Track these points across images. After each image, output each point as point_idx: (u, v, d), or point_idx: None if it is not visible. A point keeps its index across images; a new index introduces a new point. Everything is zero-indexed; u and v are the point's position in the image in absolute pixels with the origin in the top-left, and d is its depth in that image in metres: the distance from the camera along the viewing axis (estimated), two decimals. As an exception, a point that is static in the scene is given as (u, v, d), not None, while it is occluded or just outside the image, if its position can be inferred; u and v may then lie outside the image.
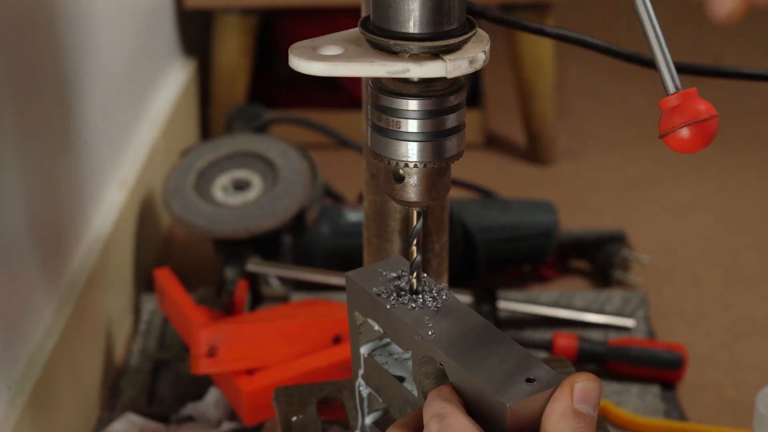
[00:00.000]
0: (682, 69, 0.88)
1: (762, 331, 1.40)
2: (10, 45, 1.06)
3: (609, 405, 1.21)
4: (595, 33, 0.93)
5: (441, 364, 0.69)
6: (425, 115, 0.69)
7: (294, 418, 0.84)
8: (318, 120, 1.65)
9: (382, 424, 0.79)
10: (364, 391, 0.78)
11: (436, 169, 0.71)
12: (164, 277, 1.24)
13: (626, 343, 1.28)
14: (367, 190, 0.89)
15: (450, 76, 0.68)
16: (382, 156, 0.71)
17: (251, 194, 1.38)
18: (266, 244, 1.39)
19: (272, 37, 1.98)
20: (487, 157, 1.89)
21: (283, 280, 1.38)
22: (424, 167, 0.70)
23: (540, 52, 1.80)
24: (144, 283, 1.46)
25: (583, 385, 0.63)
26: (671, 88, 0.64)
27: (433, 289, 0.74)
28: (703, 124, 0.62)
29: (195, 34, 1.92)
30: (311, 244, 1.43)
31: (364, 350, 0.77)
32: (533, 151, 1.87)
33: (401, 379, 0.75)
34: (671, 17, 2.43)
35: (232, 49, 1.83)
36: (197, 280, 1.43)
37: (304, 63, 0.69)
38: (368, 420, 0.79)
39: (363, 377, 0.78)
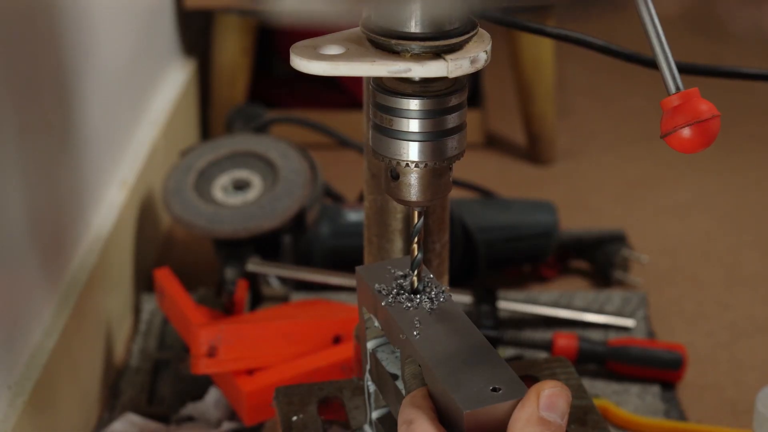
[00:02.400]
0: (681, 69, 0.88)
1: (762, 331, 1.40)
2: (10, 45, 1.06)
3: (609, 405, 1.21)
4: (595, 33, 0.93)
5: (419, 365, 0.69)
6: (426, 115, 0.69)
7: (294, 418, 0.84)
8: (318, 120, 1.65)
9: (385, 420, 0.79)
10: (371, 386, 0.79)
11: (437, 169, 0.71)
12: (164, 277, 1.24)
13: (626, 343, 1.28)
14: (368, 189, 0.89)
15: (452, 75, 0.68)
16: (382, 155, 0.71)
17: (251, 194, 1.38)
18: (266, 244, 1.39)
19: (272, 37, 1.98)
20: (487, 157, 1.89)
21: (283, 280, 1.38)
22: (424, 167, 0.70)
23: (540, 52, 1.80)
24: (144, 283, 1.46)
25: (550, 392, 0.64)
26: (672, 88, 0.65)
27: (433, 291, 0.74)
28: (705, 123, 0.62)
29: (195, 34, 1.92)
30: (311, 244, 1.43)
31: (370, 345, 0.77)
32: (533, 151, 1.87)
33: (395, 377, 0.75)
34: (671, 17, 2.42)
35: (232, 49, 1.83)
36: (197, 280, 1.43)
37: (305, 62, 0.69)
38: (374, 415, 0.80)
39: (369, 372, 0.78)
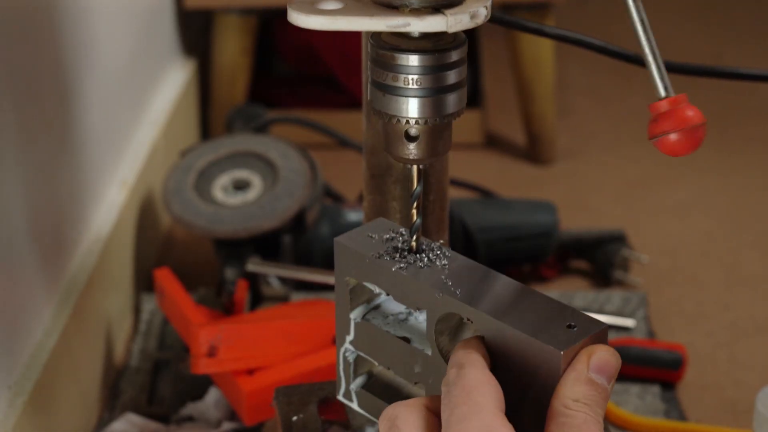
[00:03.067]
0: (682, 69, 0.88)
1: (762, 331, 1.40)
2: (10, 45, 1.06)
3: (609, 405, 1.21)
4: (595, 33, 0.93)
5: (468, 319, 0.67)
6: (425, 71, 0.68)
7: (294, 418, 0.84)
8: (318, 120, 1.65)
9: (371, 386, 0.78)
10: (351, 356, 0.77)
11: (437, 126, 0.70)
12: (164, 277, 1.24)
13: (626, 343, 1.28)
14: (368, 189, 0.89)
15: (451, 30, 0.67)
16: (384, 113, 0.70)
17: (251, 194, 1.38)
18: (266, 244, 1.39)
19: (272, 37, 1.98)
20: (487, 157, 1.89)
21: (283, 280, 1.38)
22: (424, 124, 0.70)
23: (540, 52, 1.80)
24: (144, 283, 1.46)
25: (600, 355, 0.64)
26: (662, 92, 0.66)
27: (433, 248, 0.73)
28: (692, 130, 0.64)
29: (195, 34, 1.92)
30: (311, 244, 1.43)
31: (355, 315, 0.75)
32: (533, 151, 1.87)
33: (407, 339, 0.74)
34: (672, 17, 2.43)
35: (232, 49, 1.83)
36: (197, 280, 1.43)
37: (303, 17, 0.68)
38: (355, 385, 0.78)
39: (352, 343, 0.76)
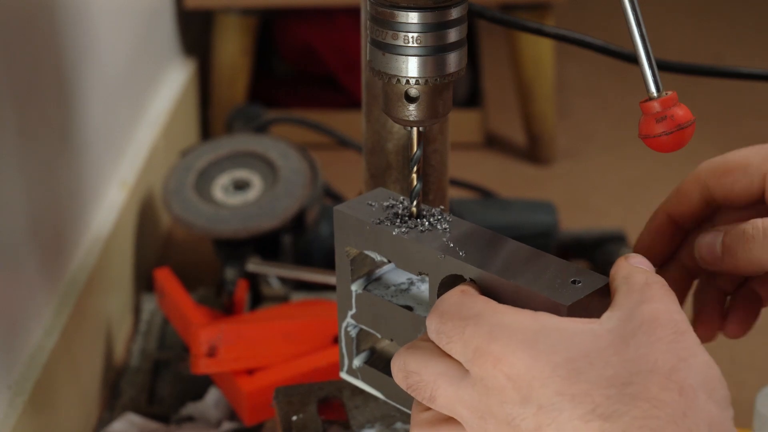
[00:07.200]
0: (682, 69, 0.88)
1: (762, 331, 1.40)
2: (10, 45, 1.06)
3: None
4: (595, 33, 0.93)
5: (471, 279, 0.67)
6: (427, 29, 0.68)
7: (294, 418, 0.84)
8: (318, 120, 1.65)
9: (375, 362, 0.78)
10: (353, 331, 0.77)
11: (437, 86, 0.69)
12: (164, 277, 1.24)
13: (626, 343, 1.28)
14: (367, 189, 0.89)
15: None
16: (383, 73, 0.69)
17: (251, 194, 1.38)
18: (266, 244, 1.39)
19: (272, 37, 1.98)
20: (487, 157, 1.89)
21: (283, 280, 1.38)
22: (425, 84, 0.69)
23: (540, 52, 1.80)
24: (144, 283, 1.46)
25: (633, 256, 0.65)
26: (653, 89, 0.67)
27: (434, 213, 0.72)
28: (683, 130, 0.66)
29: (195, 34, 1.92)
30: (311, 244, 1.43)
31: (356, 287, 0.75)
32: (533, 151, 1.87)
33: (409, 308, 0.73)
34: (672, 16, 2.43)
35: (232, 49, 1.83)
36: (197, 280, 1.43)
37: None
38: (357, 361, 0.78)
39: (354, 317, 0.76)
